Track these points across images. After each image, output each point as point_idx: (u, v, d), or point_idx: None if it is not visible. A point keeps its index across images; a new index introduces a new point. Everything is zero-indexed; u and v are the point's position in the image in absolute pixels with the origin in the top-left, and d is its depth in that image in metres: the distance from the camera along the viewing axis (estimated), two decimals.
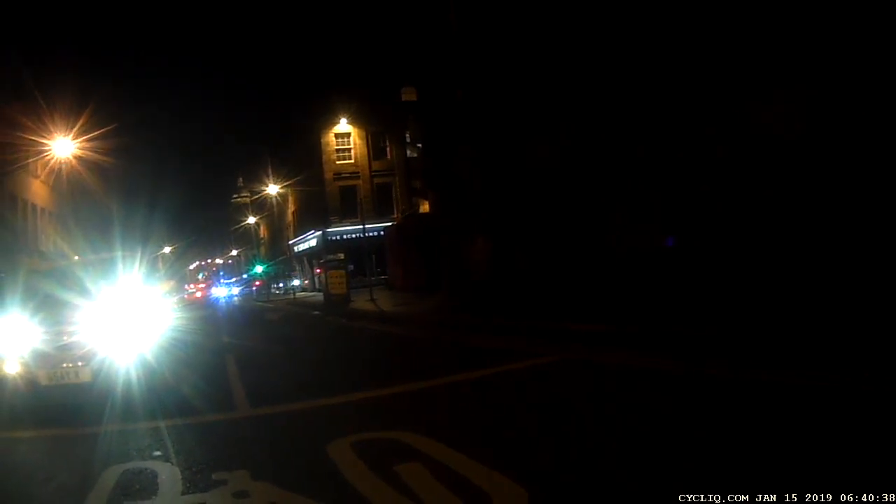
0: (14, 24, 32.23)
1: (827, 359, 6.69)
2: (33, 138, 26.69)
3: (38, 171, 36.82)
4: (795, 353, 7.13)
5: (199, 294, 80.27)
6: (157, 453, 5.65)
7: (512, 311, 14.56)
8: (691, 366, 7.37)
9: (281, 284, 68.45)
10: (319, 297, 37.20)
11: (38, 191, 38.09)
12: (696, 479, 3.96)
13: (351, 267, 35.69)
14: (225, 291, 74.44)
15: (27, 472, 5.58)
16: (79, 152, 27.23)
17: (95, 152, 27.96)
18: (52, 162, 30.61)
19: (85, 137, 26.29)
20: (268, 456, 5.48)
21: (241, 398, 8.39)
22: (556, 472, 4.43)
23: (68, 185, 41.45)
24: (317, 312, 28.87)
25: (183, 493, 4.59)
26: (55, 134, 26.37)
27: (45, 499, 4.85)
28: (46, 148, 26.52)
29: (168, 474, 5.00)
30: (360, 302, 27.59)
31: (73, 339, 8.02)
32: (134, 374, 8.21)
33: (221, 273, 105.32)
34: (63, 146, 26.19)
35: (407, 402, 7.38)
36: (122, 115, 52.99)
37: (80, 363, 7.89)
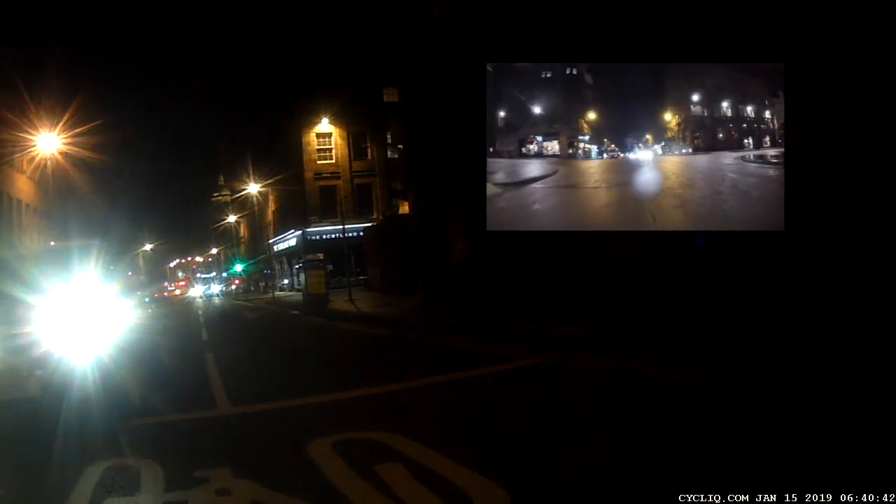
0: None
1: (813, 366, 6.74)
2: (18, 133, 26.39)
3: (24, 167, 36.36)
4: (779, 359, 7.18)
5: (178, 291, 79.86)
6: (139, 451, 5.66)
7: (492, 314, 14.59)
8: (675, 371, 7.47)
9: (286, 282, 61.68)
10: (298, 296, 37.09)
11: (23, 186, 37.60)
12: (688, 480, 4.06)
13: (330, 267, 35.64)
14: (204, 289, 74.14)
15: (8, 472, 5.56)
16: (64, 148, 26.98)
17: (80, 147, 27.76)
18: (38, 158, 30.27)
19: (70, 133, 26.07)
20: (250, 454, 5.53)
21: (221, 396, 8.41)
22: (536, 473, 4.51)
23: (54, 181, 40.97)
24: (296, 312, 28.82)
25: (165, 491, 4.63)
26: (40, 129, 26.10)
27: (29, 495, 4.86)
28: (32, 143, 26.23)
29: (150, 472, 5.02)
30: (339, 302, 27.57)
31: (31, 339, 7.26)
32: (116, 373, 8.12)
33: (199, 272, 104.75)
34: (48, 142, 25.93)
35: (387, 403, 7.44)
36: (106, 112, 52.27)
37: (51, 364, 7.44)
